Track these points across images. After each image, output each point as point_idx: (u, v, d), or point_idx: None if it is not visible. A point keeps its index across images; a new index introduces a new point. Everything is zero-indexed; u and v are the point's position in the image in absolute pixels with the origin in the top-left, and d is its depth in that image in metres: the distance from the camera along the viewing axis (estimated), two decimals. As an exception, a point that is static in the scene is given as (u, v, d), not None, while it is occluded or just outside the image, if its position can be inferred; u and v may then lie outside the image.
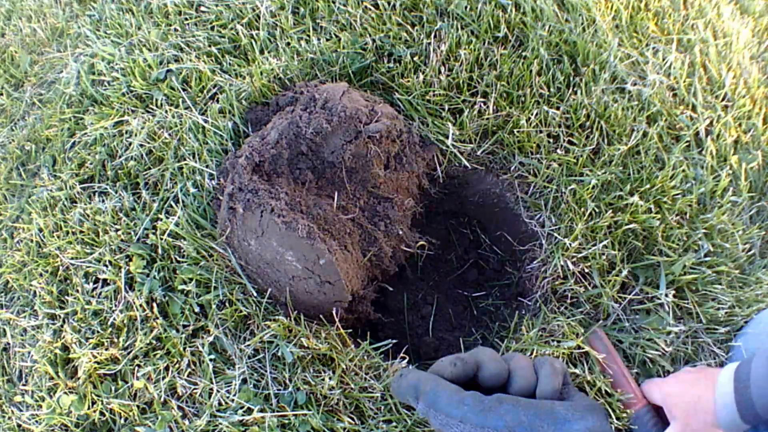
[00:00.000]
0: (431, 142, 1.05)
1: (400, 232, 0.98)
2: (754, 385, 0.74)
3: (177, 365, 0.86)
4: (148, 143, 1.04)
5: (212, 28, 1.16)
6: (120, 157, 1.04)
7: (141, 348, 0.87)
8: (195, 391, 0.85)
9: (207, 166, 0.99)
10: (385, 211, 0.97)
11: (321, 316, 0.90)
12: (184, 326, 0.89)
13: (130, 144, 1.04)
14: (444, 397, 0.45)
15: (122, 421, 0.85)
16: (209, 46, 1.13)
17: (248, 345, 0.87)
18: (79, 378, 0.88)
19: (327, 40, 1.10)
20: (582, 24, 1.14)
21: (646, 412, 0.86)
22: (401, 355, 0.91)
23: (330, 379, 0.84)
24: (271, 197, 0.85)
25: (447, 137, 1.03)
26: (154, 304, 0.90)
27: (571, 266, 0.95)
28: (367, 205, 0.96)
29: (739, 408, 0.75)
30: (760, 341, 0.91)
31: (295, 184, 0.91)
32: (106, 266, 0.94)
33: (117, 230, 0.96)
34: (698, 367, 0.89)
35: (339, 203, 0.92)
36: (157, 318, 0.88)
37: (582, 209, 0.99)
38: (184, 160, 1.00)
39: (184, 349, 0.86)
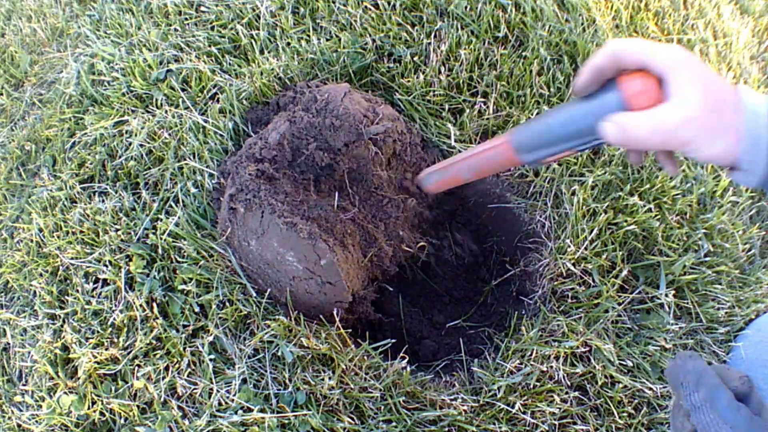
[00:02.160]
0: (432, 143, 1.05)
1: (401, 233, 0.98)
2: None
3: (177, 365, 0.86)
4: (148, 143, 1.04)
5: (212, 28, 1.16)
6: (120, 157, 1.04)
7: (141, 348, 0.87)
8: (195, 391, 0.85)
9: (207, 166, 0.99)
10: (386, 211, 0.97)
11: (321, 316, 0.90)
12: (184, 326, 0.89)
13: (130, 144, 1.04)
14: (724, 399, 0.48)
15: (122, 421, 0.85)
16: (209, 46, 1.13)
17: (248, 345, 0.87)
18: (79, 378, 0.88)
19: (327, 40, 1.10)
20: (582, 24, 1.14)
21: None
22: (401, 355, 0.91)
23: (330, 379, 0.84)
24: (272, 198, 0.85)
25: (448, 137, 1.03)
26: (154, 304, 0.90)
27: (571, 266, 0.95)
28: (367, 206, 0.96)
29: None
30: (758, 350, 0.91)
31: (296, 185, 0.91)
32: (106, 266, 0.94)
33: (117, 230, 0.96)
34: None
35: (339, 204, 0.92)
36: (157, 318, 0.88)
37: (582, 209, 0.99)
38: (184, 160, 1.00)
39: (184, 349, 0.86)
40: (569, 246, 0.96)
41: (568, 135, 0.65)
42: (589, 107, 0.63)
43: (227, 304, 0.89)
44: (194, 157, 1.00)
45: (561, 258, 0.96)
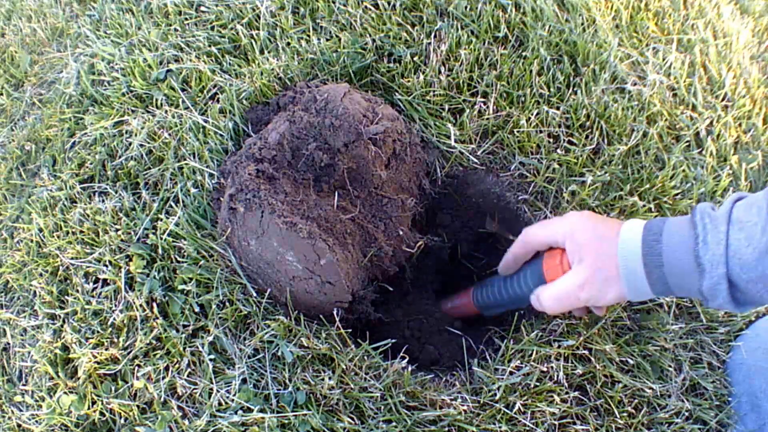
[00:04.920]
0: (432, 143, 1.05)
1: (401, 232, 0.98)
2: (667, 255, 0.63)
3: (177, 365, 0.86)
4: (148, 143, 1.04)
5: (212, 28, 1.16)
6: (120, 157, 1.04)
7: (141, 348, 0.87)
8: (195, 391, 0.85)
9: (207, 166, 0.99)
10: (386, 211, 0.97)
11: (321, 316, 0.90)
12: (184, 326, 0.89)
13: (130, 144, 1.04)
14: None
15: (122, 421, 0.85)
16: (209, 46, 1.13)
17: (248, 345, 0.87)
18: (79, 378, 0.88)
19: (327, 40, 1.10)
20: (582, 24, 1.14)
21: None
22: (401, 354, 0.91)
23: (330, 379, 0.84)
24: (271, 198, 0.85)
25: (448, 137, 1.03)
26: (154, 304, 0.90)
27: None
28: (367, 206, 0.96)
29: (649, 278, 0.65)
30: (756, 357, 0.91)
31: (295, 185, 0.91)
32: (106, 266, 0.94)
33: (117, 230, 0.96)
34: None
35: (339, 204, 0.92)
36: (157, 318, 0.88)
37: (582, 209, 0.99)
38: (185, 160, 1.00)
39: (184, 349, 0.86)
40: (569, 246, 0.96)
41: (509, 300, 0.88)
42: (520, 280, 0.83)
43: (227, 304, 0.89)
44: (194, 157, 1.00)
45: (561, 258, 0.96)
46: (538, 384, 0.87)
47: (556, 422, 0.85)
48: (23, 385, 0.92)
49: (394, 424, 0.83)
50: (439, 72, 1.06)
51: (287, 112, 0.95)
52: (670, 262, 0.63)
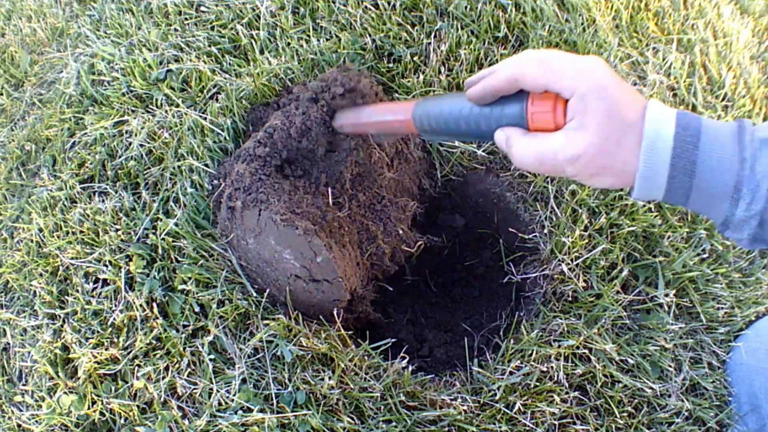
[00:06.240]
0: (432, 143, 1.05)
1: (400, 232, 0.98)
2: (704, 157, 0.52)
3: (177, 365, 0.86)
4: (148, 143, 1.04)
5: (212, 28, 1.16)
6: (120, 157, 1.04)
7: (141, 348, 0.87)
8: (195, 391, 0.85)
9: (207, 166, 0.99)
10: (385, 210, 0.97)
11: (321, 316, 0.90)
12: (184, 326, 0.89)
13: (130, 144, 1.04)
14: None
15: (122, 421, 0.85)
16: (209, 46, 1.13)
17: (248, 345, 0.87)
18: (79, 378, 0.88)
19: (327, 40, 1.10)
20: (582, 24, 1.14)
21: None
22: (401, 354, 0.91)
23: (330, 378, 0.84)
24: (269, 196, 0.85)
25: (447, 137, 1.03)
26: (154, 304, 0.90)
27: (571, 266, 0.95)
28: (367, 204, 0.96)
29: (673, 172, 0.53)
30: (757, 358, 0.90)
31: (292, 183, 0.91)
32: (106, 266, 0.94)
33: (117, 230, 0.96)
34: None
35: (336, 202, 0.92)
36: (157, 318, 0.88)
37: (582, 209, 0.99)
38: (184, 159, 1.00)
39: (184, 349, 0.86)
40: (569, 246, 0.96)
41: (467, 132, 0.66)
42: (491, 114, 0.62)
43: (227, 303, 0.89)
44: (194, 156, 1.00)
45: (561, 258, 0.96)
46: (538, 384, 0.87)
47: (556, 422, 0.85)
48: (23, 385, 0.92)
49: (394, 424, 0.83)
50: (439, 72, 1.06)
51: (286, 111, 0.95)
52: (704, 177, 0.52)
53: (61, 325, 0.92)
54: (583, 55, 0.58)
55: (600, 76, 0.55)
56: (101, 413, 0.86)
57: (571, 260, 0.95)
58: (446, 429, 0.83)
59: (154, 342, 0.88)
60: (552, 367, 0.88)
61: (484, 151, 1.05)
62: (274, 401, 0.83)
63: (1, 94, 1.30)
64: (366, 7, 1.12)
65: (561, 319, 0.92)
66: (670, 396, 0.90)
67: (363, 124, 0.84)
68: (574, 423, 0.86)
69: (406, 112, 0.73)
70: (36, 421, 0.87)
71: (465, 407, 0.85)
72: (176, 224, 0.94)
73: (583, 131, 0.54)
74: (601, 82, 0.54)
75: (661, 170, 0.53)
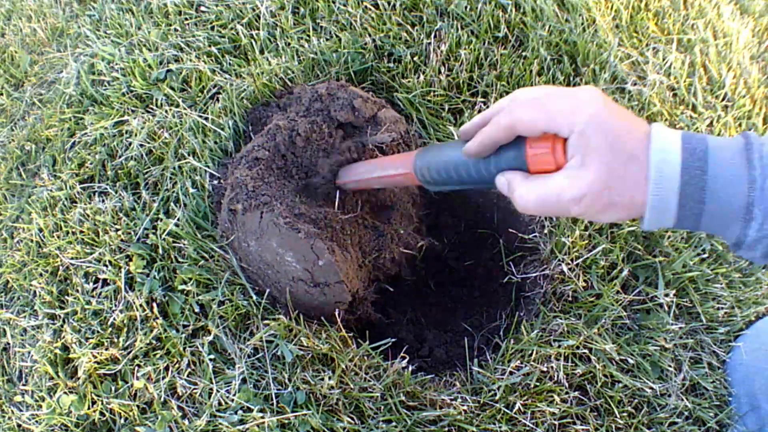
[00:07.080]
0: (431, 143, 1.05)
1: (401, 233, 0.98)
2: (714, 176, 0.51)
3: (177, 365, 0.86)
4: (148, 143, 1.04)
5: (212, 28, 1.16)
6: (120, 157, 1.04)
7: (141, 348, 0.87)
8: (195, 391, 0.85)
9: (207, 166, 0.99)
10: (386, 212, 0.97)
11: (322, 317, 0.90)
12: (184, 326, 0.89)
13: (130, 144, 1.04)
14: None
15: (122, 421, 0.85)
16: (209, 46, 1.13)
17: (248, 345, 0.87)
18: (79, 378, 0.88)
19: (327, 40, 1.10)
20: (582, 24, 1.14)
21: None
22: (401, 354, 0.91)
23: (330, 378, 0.84)
24: (271, 198, 0.85)
25: (449, 137, 1.03)
26: (154, 304, 0.90)
27: (571, 266, 0.95)
28: (368, 207, 0.96)
29: (683, 197, 0.52)
30: (757, 358, 0.90)
31: (295, 186, 0.91)
32: (106, 266, 0.94)
33: (117, 230, 0.96)
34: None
35: (339, 205, 0.92)
36: (157, 318, 0.88)
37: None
38: (185, 159, 1.00)
39: (184, 349, 0.86)
40: (569, 246, 0.96)
41: (468, 180, 0.66)
42: (491, 161, 0.61)
43: (227, 303, 0.89)
44: (194, 157, 1.00)
45: (561, 258, 0.96)
46: (538, 384, 0.87)
47: (556, 422, 0.85)
48: (23, 385, 0.92)
49: (394, 424, 0.83)
50: (439, 72, 1.06)
51: (288, 113, 0.95)
52: (714, 201, 0.51)
53: (61, 325, 0.92)
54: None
55: (596, 108, 0.54)
56: (101, 413, 0.86)
57: (571, 260, 0.95)
58: (446, 429, 0.84)
59: (154, 342, 0.88)
60: (552, 367, 0.88)
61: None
62: (274, 401, 0.83)
63: (1, 94, 1.30)
64: (366, 7, 1.12)
65: (561, 319, 0.92)
66: (670, 396, 0.90)
67: (366, 180, 0.85)
68: (574, 423, 0.86)
69: (407, 165, 0.74)
70: (36, 421, 0.87)
71: (465, 407, 0.85)
72: (176, 224, 0.94)
73: (585, 169, 0.53)
74: (598, 114, 0.53)
75: (671, 200, 0.52)
